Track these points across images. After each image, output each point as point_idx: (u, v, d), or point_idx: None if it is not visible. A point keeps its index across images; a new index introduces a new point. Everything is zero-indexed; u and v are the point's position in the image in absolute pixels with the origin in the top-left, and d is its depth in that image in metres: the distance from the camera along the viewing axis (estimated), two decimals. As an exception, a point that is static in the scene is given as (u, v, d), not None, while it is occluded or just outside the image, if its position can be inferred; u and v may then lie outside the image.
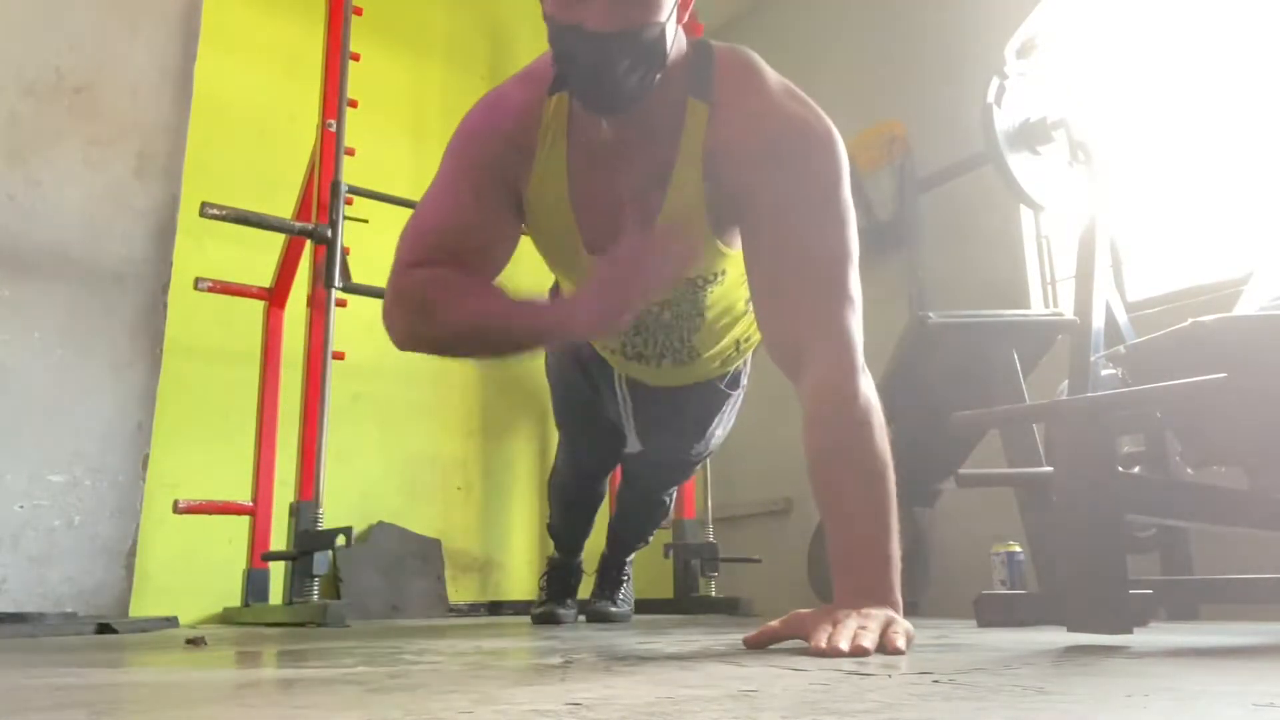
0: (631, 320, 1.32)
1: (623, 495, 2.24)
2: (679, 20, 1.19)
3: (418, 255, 1.26)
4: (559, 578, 2.35)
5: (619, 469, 2.15)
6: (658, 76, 1.16)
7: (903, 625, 1.07)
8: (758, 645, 1.14)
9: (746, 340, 1.65)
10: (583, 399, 1.84)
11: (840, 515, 1.16)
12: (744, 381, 1.80)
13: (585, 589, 2.42)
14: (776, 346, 1.26)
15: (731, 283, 1.43)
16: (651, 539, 2.38)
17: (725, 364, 1.68)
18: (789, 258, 1.22)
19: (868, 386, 1.19)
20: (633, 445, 1.84)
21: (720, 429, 1.85)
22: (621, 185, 1.26)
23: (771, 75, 1.26)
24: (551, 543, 2.40)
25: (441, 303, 1.23)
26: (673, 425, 1.80)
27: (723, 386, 1.75)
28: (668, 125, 1.24)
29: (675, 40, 1.18)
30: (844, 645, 0.99)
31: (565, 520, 2.28)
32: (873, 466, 1.15)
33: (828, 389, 1.18)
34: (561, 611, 2.27)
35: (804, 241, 1.21)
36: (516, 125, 1.28)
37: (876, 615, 1.07)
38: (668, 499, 2.21)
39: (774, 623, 1.15)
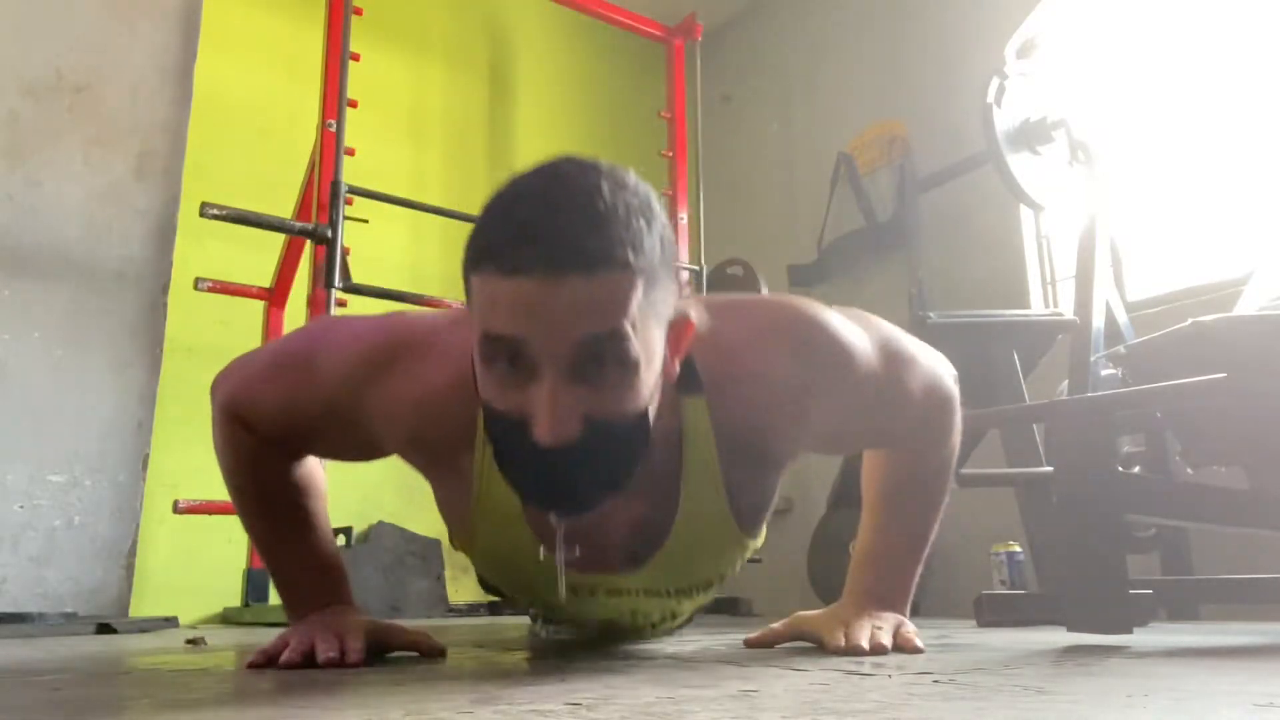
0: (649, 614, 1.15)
1: None
2: (670, 370, 0.89)
3: (237, 412, 1.09)
4: None
5: None
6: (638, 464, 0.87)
7: (912, 628, 1.07)
8: (760, 646, 1.14)
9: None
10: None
11: (885, 521, 1.16)
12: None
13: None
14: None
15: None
16: None
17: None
18: (872, 435, 1.14)
19: (959, 417, 1.16)
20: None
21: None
22: (607, 514, 0.94)
23: (718, 303, 1.04)
24: None
25: (252, 496, 1.12)
26: None
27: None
28: (662, 431, 0.93)
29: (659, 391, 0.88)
30: (864, 643, 0.99)
31: None
32: (938, 497, 1.16)
33: (927, 450, 1.16)
34: (561, 612, 2.26)
35: (878, 423, 1.10)
36: (436, 422, 0.98)
37: (887, 617, 1.07)
38: None
39: (777, 624, 1.15)
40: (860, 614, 1.08)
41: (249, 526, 1.17)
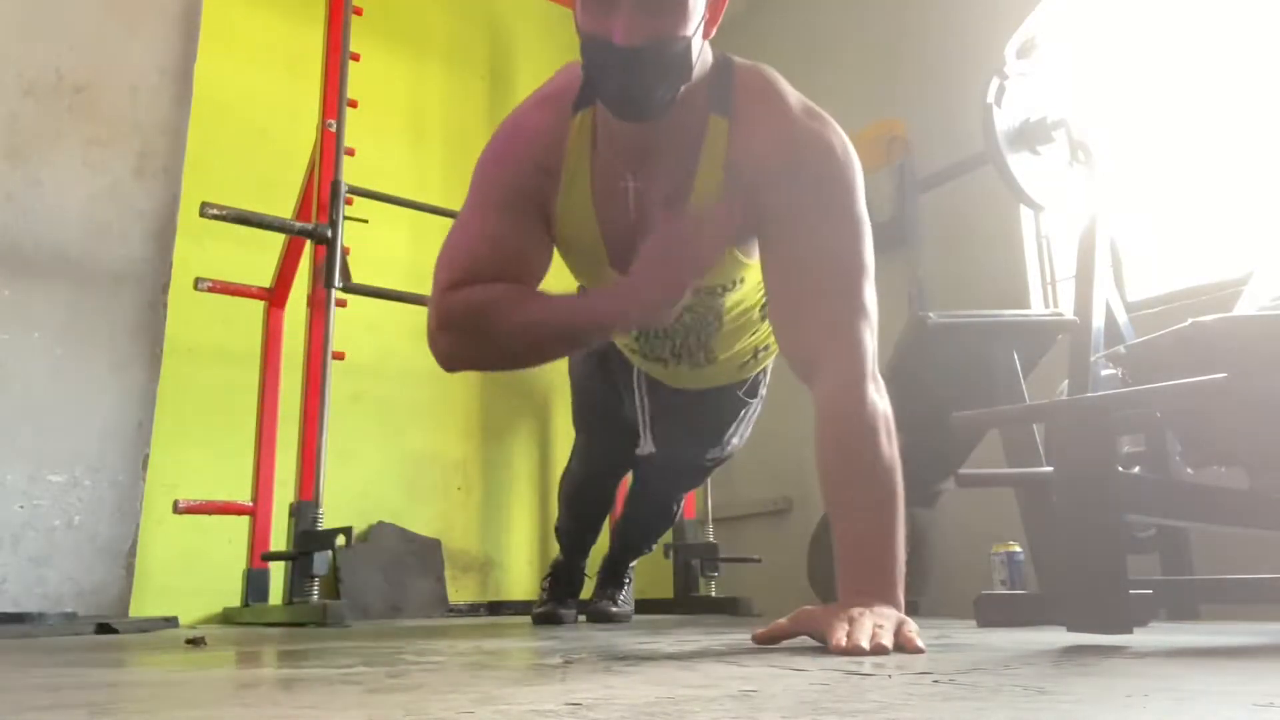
0: (681, 302, 1.37)
1: (633, 498, 2.23)
2: (706, 35, 1.22)
3: (456, 277, 1.30)
4: (562, 579, 2.35)
5: (631, 474, 2.15)
6: (682, 89, 1.20)
7: (913, 626, 1.07)
8: (767, 641, 1.15)
9: (765, 349, 1.67)
10: (601, 398, 1.87)
11: (847, 516, 1.18)
12: (762, 392, 1.82)
13: (586, 591, 2.42)
14: (791, 352, 1.29)
15: (749, 289, 1.47)
16: (655, 546, 2.39)
17: (743, 370, 1.70)
18: (806, 268, 1.26)
19: (878, 393, 1.22)
20: (646, 446, 1.84)
21: (737, 437, 1.87)
22: (645, 198, 1.31)
23: (791, 92, 1.30)
24: (557, 545, 2.40)
25: (494, 312, 1.27)
26: (689, 428, 1.81)
27: (740, 394, 1.77)
28: (689, 139, 1.28)
29: (700, 54, 1.22)
30: (865, 643, 0.99)
31: (573, 522, 2.29)
32: (879, 471, 1.18)
33: (839, 395, 1.21)
34: (562, 612, 2.27)
35: (820, 252, 1.25)
36: (541, 149, 1.32)
37: (889, 615, 1.07)
38: (676, 506, 2.22)
39: (782, 620, 1.16)
40: (862, 612, 1.08)
41: (514, 327, 1.29)
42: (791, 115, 1.27)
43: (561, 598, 2.33)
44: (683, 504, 2.30)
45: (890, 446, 1.19)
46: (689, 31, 1.16)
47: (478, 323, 1.28)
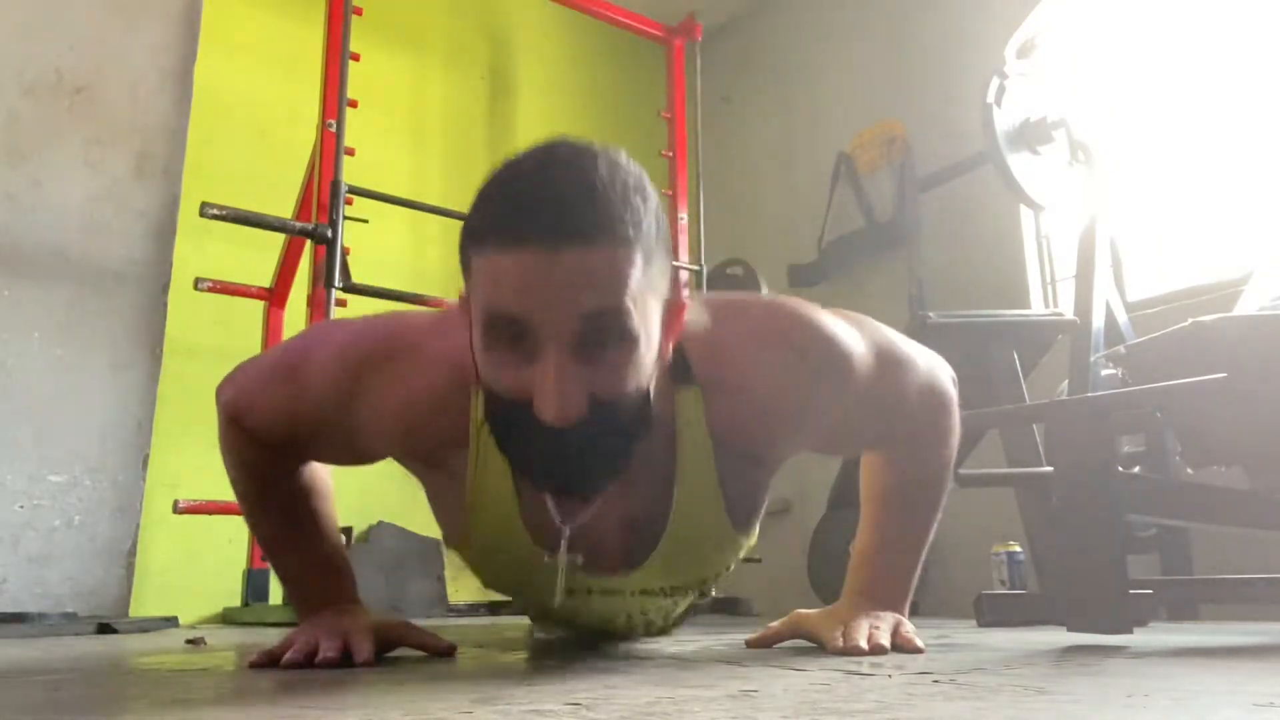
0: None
1: None
2: (664, 356, 0.89)
3: (244, 423, 1.08)
4: None
5: None
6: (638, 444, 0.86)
7: (909, 626, 1.07)
8: (761, 646, 1.15)
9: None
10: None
11: (883, 517, 1.16)
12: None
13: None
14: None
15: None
16: None
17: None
18: (862, 439, 1.13)
19: (955, 430, 1.15)
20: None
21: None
22: (604, 510, 0.96)
23: (727, 306, 1.03)
24: None
25: (257, 491, 1.13)
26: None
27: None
28: (658, 426, 0.92)
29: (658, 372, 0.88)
30: (863, 643, 0.99)
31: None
32: (936, 493, 1.16)
33: (923, 450, 1.15)
34: (561, 612, 2.26)
35: (868, 422, 1.08)
36: (430, 431, 0.99)
37: (884, 616, 1.07)
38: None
39: (775, 624, 1.15)
40: (858, 614, 1.08)
41: (253, 527, 1.19)
42: (756, 336, 0.98)
43: None
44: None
45: (951, 471, 1.16)
46: (643, 379, 0.82)
47: (238, 482, 1.13)
